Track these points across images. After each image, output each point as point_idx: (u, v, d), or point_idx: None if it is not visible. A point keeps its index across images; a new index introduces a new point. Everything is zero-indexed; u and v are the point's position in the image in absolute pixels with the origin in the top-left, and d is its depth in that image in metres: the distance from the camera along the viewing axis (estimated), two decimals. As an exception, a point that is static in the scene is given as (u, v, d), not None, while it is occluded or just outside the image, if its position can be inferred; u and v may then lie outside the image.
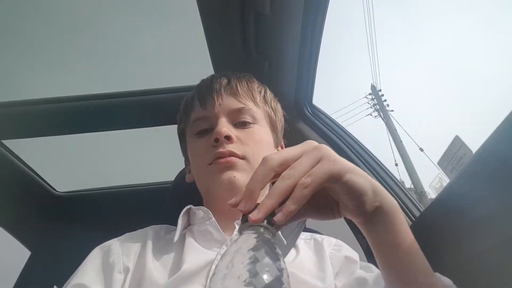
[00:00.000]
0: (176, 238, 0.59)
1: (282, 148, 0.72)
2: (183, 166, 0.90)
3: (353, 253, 0.62)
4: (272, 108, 0.73)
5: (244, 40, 0.80)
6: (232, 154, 0.61)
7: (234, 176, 0.60)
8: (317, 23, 0.76)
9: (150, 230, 0.65)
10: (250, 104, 0.68)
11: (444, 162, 0.57)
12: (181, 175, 0.90)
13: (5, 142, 1.10)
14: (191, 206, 0.64)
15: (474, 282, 0.45)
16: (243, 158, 0.62)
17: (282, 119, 0.75)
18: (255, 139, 0.65)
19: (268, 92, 0.74)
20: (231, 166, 0.61)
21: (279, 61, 0.88)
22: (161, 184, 1.29)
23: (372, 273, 0.56)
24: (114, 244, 0.60)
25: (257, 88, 0.72)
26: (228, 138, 0.62)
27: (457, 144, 0.53)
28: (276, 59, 0.87)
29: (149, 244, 0.60)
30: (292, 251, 0.61)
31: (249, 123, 0.66)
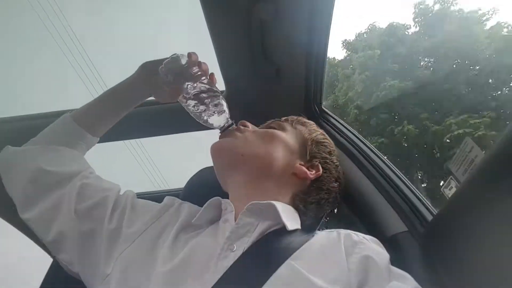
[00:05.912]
0: (194, 220, 0.61)
1: (318, 170, 0.66)
2: (194, 172, 0.92)
3: (382, 255, 0.53)
4: (309, 130, 0.72)
5: (250, 46, 0.81)
6: (237, 128, 0.68)
7: (223, 140, 0.67)
8: (323, 26, 0.76)
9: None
10: (287, 124, 0.73)
11: (456, 165, 0.56)
12: (192, 181, 0.91)
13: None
14: (219, 198, 0.63)
15: (492, 282, 0.43)
16: (242, 132, 0.68)
17: (321, 144, 0.71)
18: (268, 132, 0.69)
19: (316, 128, 0.75)
20: (227, 133, 0.67)
21: (286, 66, 0.89)
22: (172, 191, 1.29)
23: (408, 286, 0.48)
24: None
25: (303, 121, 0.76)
26: (244, 124, 0.71)
27: (468, 145, 0.53)
28: (283, 64, 0.88)
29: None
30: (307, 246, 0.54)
31: (274, 128, 0.71)
